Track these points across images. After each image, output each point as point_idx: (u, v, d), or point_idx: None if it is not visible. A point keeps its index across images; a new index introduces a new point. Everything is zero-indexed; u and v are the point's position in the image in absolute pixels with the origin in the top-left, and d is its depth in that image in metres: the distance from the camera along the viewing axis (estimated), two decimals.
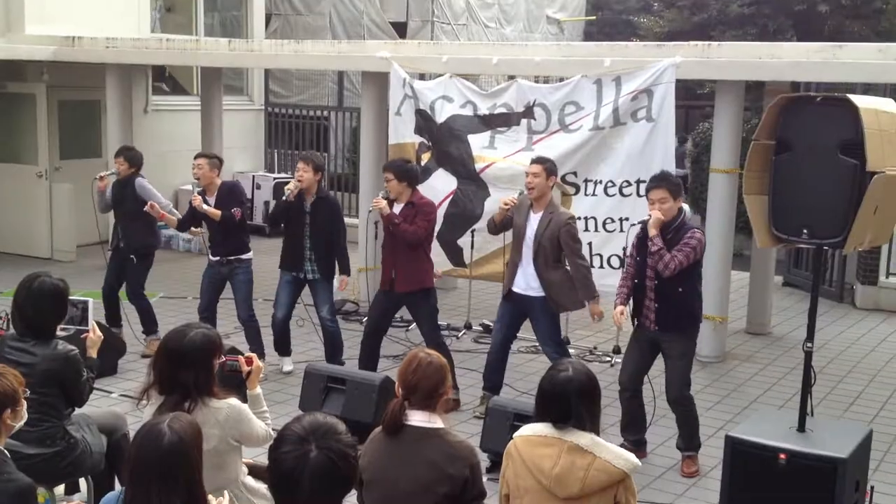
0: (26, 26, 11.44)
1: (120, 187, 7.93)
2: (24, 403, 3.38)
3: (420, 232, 6.70)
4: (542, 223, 6.40)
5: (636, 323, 5.92)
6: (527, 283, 6.48)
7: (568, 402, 3.42)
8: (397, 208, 6.75)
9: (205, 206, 7.30)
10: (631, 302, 5.92)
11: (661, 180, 5.79)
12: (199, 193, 7.51)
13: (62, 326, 4.64)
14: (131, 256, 7.91)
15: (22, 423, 3.40)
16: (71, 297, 4.67)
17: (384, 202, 6.69)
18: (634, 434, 6.02)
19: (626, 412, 6.04)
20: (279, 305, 7.43)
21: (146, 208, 7.49)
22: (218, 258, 7.44)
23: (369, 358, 6.92)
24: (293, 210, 7.20)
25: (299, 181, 7.06)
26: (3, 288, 7.72)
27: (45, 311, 4.40)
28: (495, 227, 6.80)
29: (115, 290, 8.05)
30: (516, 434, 3.58)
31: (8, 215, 11.77)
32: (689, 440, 5.95)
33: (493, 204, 8.44)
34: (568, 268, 6.49)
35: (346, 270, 7.40)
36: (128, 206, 7.82)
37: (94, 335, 4.66)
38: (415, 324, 8.56)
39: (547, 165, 6.45)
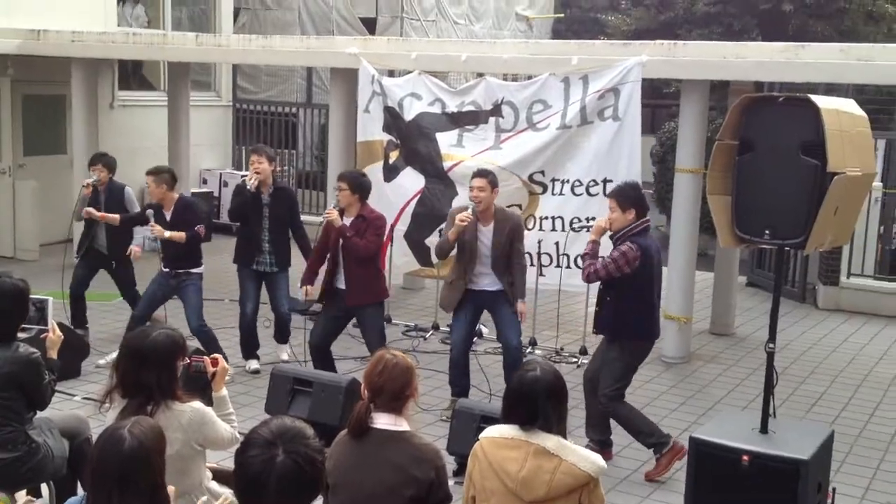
0: None
1: (100, 195, 7.92)
2: None
3: (371, 247, 6.70)
4: (497, 234, 6.51)
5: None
6: (483, 283, 6.62)
7: (535, 403, 3.42)
8: (347, 220, 6.71)
9: (166, 234, 7.23)
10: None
11: (614, 190, 5.99)
12: (152, 208, 7.40)
13: (23, 326, 4.57)
14: (112, 262, 8.00)
15: None
16: (32, 296, 4.61)
17: (336, 213, 6.68)
18: (600, 434, 6.06)
19: (588, 408, 6.08)
20: (247, 300, 7.50)
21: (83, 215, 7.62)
22: (168, 270, 7.39)
23: (329, 364, 6.87)
24: (252, 203, 7.30)
25: (257, 173, 7.15)
26: None
27: (5, 312, 4.32)
28: (448, 248, 6.72)
29: (83, 291, 8.03)
30: (482, 435, 3.58)
31: None
32: (638, 437, 5.94)
33: (461, 203, 8.46)
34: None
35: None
36: (115, 214, 7.80)
37: (54, 335, 4.58)
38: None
39: (490, 178, 6.58)
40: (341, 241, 6.65)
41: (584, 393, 6.11)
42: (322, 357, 6.88)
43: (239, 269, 7.61)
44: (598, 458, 3.43)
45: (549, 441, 3.40)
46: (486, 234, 6.56)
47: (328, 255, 6.85)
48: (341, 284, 6.77)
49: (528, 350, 8.16)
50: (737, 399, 7.35)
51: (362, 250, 6.65)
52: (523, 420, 3.44)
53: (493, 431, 3.54)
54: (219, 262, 10.08)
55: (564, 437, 3.47)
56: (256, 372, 7.48)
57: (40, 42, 11.06)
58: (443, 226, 8.53)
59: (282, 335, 7.92)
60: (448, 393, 6.93)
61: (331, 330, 6.91)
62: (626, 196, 5.80)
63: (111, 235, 7.95)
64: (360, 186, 6.77)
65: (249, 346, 7.68)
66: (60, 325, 4.86)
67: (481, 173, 6.64)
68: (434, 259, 8.70)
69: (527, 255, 8.09)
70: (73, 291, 8.02)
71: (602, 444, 5.96)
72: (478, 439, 3.59)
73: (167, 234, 7.23)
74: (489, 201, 6.54)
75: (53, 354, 4.55)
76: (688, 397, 7.36)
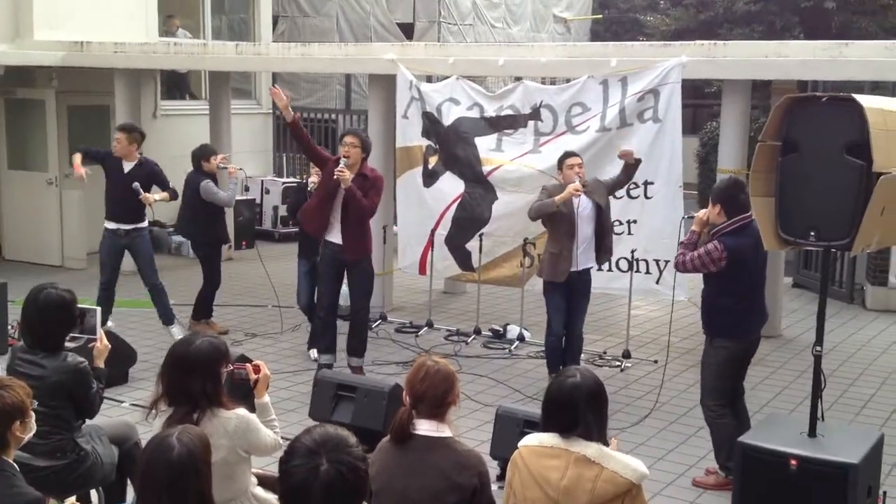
0: (35, 32, 11.48)
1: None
2: (33, 415, 3.38)
3: (374, 206, 7.11)
4: (592, 201, 6.90)
5: None
6: (584, 260, 6.93)
7: (576, 410, 3.38)
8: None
9: (156, 197, 8.07)
10: None
11: (713, 187, 5.95)
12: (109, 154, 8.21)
13: (72, 336, 4.64)
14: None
15: (31, 434, 3.41)
16: (79, 305, 4.68)
17: (348, 174, 6.86)
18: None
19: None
20: (306, 293, 8.09)
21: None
22: (117, 227, 8.08)
23: (334, 334, 7.26)
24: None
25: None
26: (14, 297, 7.73)
27: (52, 323, 4.39)
28: (548, 211, 6.88)
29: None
30: (521, 443, 3.54)
31: (18, 223, 11.81)
32: (722, 461, 5.69)
33: (502, 207, 8.47)
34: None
35: None
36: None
37: (101, 344, 4.63)
38: (426, 328, 8.64)
39: (580, 155, 7.10)
40: (344, 198, 6.91)
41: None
42: (332, 324, 7.23)
43: (300, 263, 8.17)
44: (639, 465, 3.39)
45: (590, 449, 3.36)
46: (584, 202, 6.87)
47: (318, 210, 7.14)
48: (335, 238, 7.05)
49: None
50: (784, 402, 7.25)
51: (367, 210, 7.00)
52: (563, 428, 3.41)
53: (532, 440, 3.51)
54: (261, 268, 10.11)
55: (605, 444, 3.43)
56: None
57: (84, 54, 11.25)
58: (483, 230, 8.56)
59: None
60: (491, 396, 6.93)
61: (336, 287, 7.31)
62: (716, 191, 5.70)
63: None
64: (368, 145, 7.16)
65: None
66: (108, 334, 4.92)
67: (575, 153, 7.08)
68: (474, 263, 8.71)
69: None
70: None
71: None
72: (517, 447, 3.57)
73: (156, 197, 8.09)
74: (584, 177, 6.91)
75: (101, 363, 4.60)
76: None
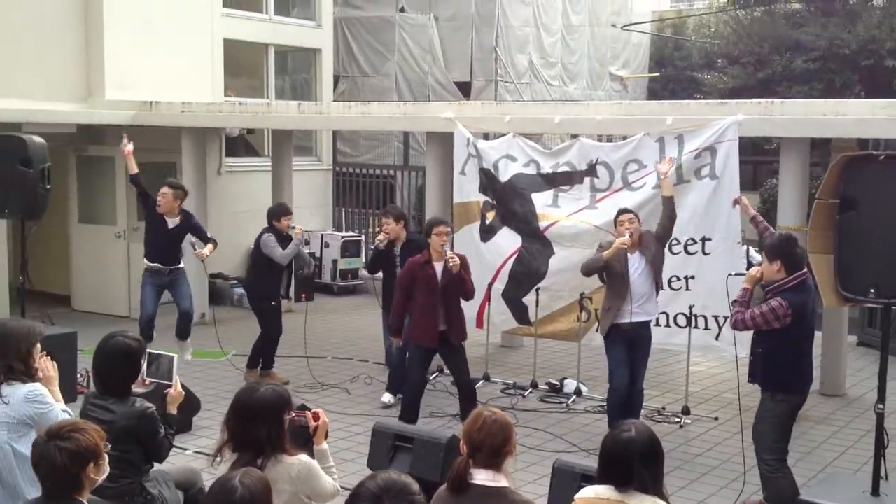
0: (106, 92, 11.94)
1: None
2: (106, 458, 3.50)
3: (473, 286, 7.45)
4: (644, 257, 6.96)
5: None
6: (633, 313, 6.96)
7: (630, 464, 3.40)
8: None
9: (207, 252, 8.80)
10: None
11: (765, 241, 6.14)
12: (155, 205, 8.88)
13: (151, 380, 4.79)
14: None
15: (104, 477, 3.53)
16: (156, 352, 4.85)
17: (457, 259, 7.19)
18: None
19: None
20: (387, 340, 8.49)
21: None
22: (159, 267, 8.74)
23: (416, 409, 7.44)
24: (383, 257, 8.36)
25: (385, 232, 7.88)
26: (83, 346, 7.97)
27: (118, 370, 4.55)
28: (597, 268, 7.15)
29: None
30: (578, 495, 3.57)
31: (88, 275, 12.16)
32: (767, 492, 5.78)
33: (558, 262, 8.52)
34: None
35: None
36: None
37: (175, 391, 4.76)
38: (482, 381, 8.70)
39: (634, 211, 7.16)
40: (443, 282, 7.19)
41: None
42: (417, 404, 7.43)
43: (383, 314, 8.58)
44: None
45: (646, 502, 3.38)
46: (636, 260, 6.98)
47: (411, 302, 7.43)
48: (443, 326, 7.30)
49: None
50: (848, 462, 7.11)
51: (470, 291, 7.40)
52: (618, 481, 3.44)
53: (588, 492, 3.53)
54: (320, 320, 10.34)
55: (662, 498, 3.44)
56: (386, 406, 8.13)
57: (152, 113, 11.67)
58: (540, 284, 8.62)
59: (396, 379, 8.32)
60: (548, 450, 6.93)
61: (424, 373, 7.57)
62: (771, 248, 5.68)
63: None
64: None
65: (395, 380, 8.26)
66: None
67: (627, 210, 7.18)
68: (531, 317, 8.75)
69: None
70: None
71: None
72: (573, 500, 3.59)
73: (207, 252, 8.78)
74: (640, 231, 7.01)
75: (173, 410, 4.73)
76: (797, 459, 7.12)
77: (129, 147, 9.16)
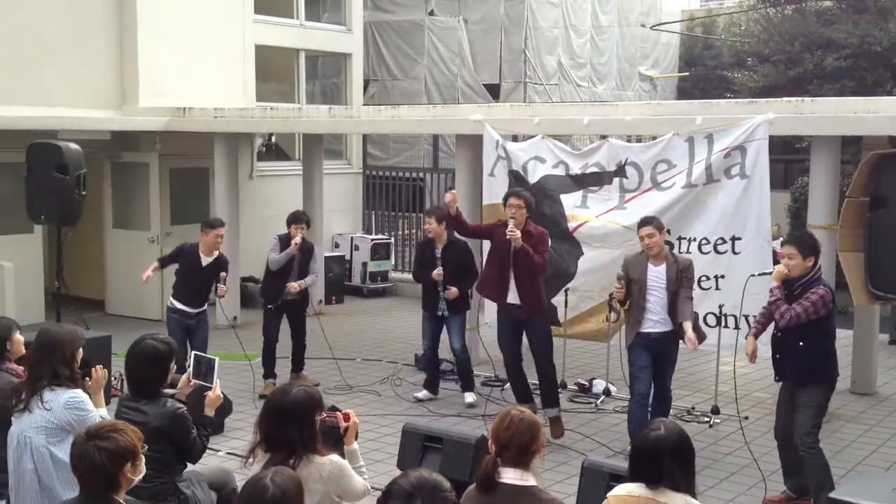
0: (140, 99, 12.13)
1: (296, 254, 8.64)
2: (143, 458, 3.58)
3: (545, 261, 7.42)
4: (669, 272, 6.83)
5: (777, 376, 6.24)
6: (654, 323, 6.86)
7: (660, 462, 3.44)
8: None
9: (297, 286, 8.58)
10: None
11: (792, 237, 6.15)
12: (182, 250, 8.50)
13: (195, 381, 4.88)
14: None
15: (140, 477, 3.61)
16: (201, 354, 4.94)
17: (518, 233, 7.20)
18: (795, 481, 6.16)
19: (783, 462, 6.23)
20: (426, 338, 8.53)
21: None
22: (185, 309, 8.27)
23: (525, 384, 7.61)
24: (427, 257, 8.38)
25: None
26: (117, 350, 8.10)
27: (147, 372, 4.64)
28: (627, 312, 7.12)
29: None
30: (610, 493, 3.62)
31: (122, 279, 12.32)
32: (815, 491, 5.94)
33: (587, 262, 8.54)
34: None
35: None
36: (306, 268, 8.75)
37: (214, 395, 4.82)
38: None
39: (656, 223, 6.89)
40: (514, 257, 7.21)
41: (778, 449, 6.27)
42: (521, 377, 7.60)
43: (423, 313, 8.60)
44: None
45: (677, 500, 3.41)
46: (659, 272, 6.86)
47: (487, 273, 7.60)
48: (514, 299, 7.34)
49: None
50: (879, 460, 7.07)
51: (539, 265, 7.31)
52: (649, 479, 3.47)
53: (621, 490, 3.57)
54: (350, 323, 10.41)
55: (693, 496, 3.46)
56: (471, 405, 8.26)
57: (186, 119, 11.82)
58: (569, 285, 8.64)
59: (464, 380, 8.50)
60: (577, 450, 6.94)
61: (517, 346, 7.57)
62: (805, 244, 5.91)
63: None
64: (532, 203, 7.48)
65: (431, 381, 8.55)
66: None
67: (646, 221, 6.94)
68: (560, 318, 8.77)
69: None
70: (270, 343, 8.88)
71: (801, 492, 6.10)
72: (606, 497, 3.63)
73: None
74: (660, 245, 6.86)
75: (210, 412, 4.80)
76: (828, 458, 7.07)
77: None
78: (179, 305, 8.32)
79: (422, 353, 8.83)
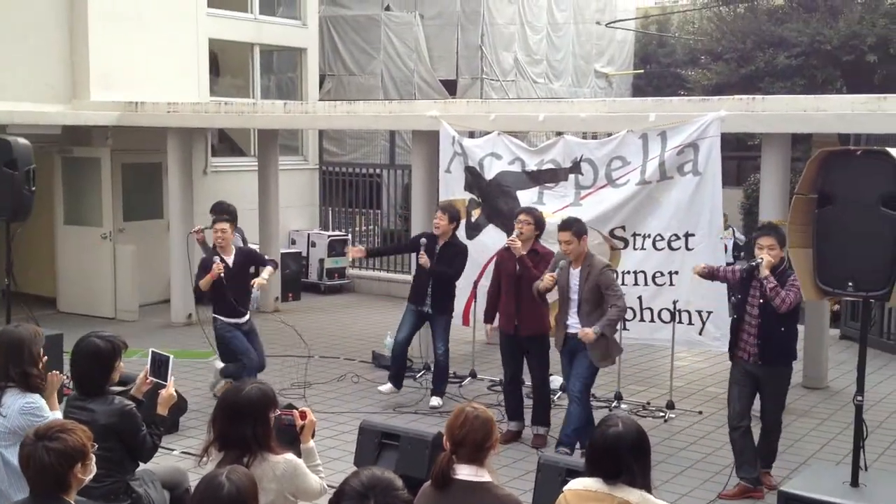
0: (91, 93, 11.94)
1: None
2: (93, 458, 3.53)
3: None
4: (582, 276, 6.75)
5: (733, 359, 6.38)
6: (572, 325, 6.83)
7: (618, 458, 3.47)
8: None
9: (264, 278, 7.93)
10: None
11: (770, 229, 6.39)
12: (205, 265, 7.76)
13: (151, 379, 4.81)
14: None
15: (91, 476, 3.55)
16: (158, 352, 4.88)
17: (520, 243, 7.18)
18: (750, 472, 6.28)
19: (741, 450, 6.30)
20: (403, 330, 8.20)
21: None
22: (236, 321, 7.82)
23: (517, 403, 7.46)
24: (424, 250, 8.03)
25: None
26: (69, 348, 7.97)
27: (88, 371, 4.59)
28: (539, 295, 7.07)
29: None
30: (566, 487, 3.63)
31: (73, 276, 12.15)
32: (770, 458, 6.47)
33: None
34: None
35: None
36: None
37: (167, 393, 4.76)
38: (469, 378, 8.74)
39: (574, 229, 6.77)
40: (518, 272, 7.13)
41: (730, 438, 6.37)
42: (516, 394, 7.45)
43: (407, 306, 8.27)
44: None
45: (633, 495, 3.43)
46: (575, 276, 6.83)
47: (501, 293, 7.41)
48: (517, 321, 7.23)
49: (614, 405, 8.15)
50: (830, 454, 7.20)
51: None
52: (606, 474, 3.49)
53: (577, 484, 3.59)
54: (307, 320, 10.32)
55: (649, 491, 3.50)
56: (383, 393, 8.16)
57: (138, 113, 11.67)
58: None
59: (437, 384, 8.27)
60: (532, 448, 6.97)
61: (518, 366, 7.42)
62: (781, 235, 6.22)
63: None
64: (541, 222, 7.37)
65: (396, 375, 8.23)
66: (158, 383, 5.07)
67: (565, 225, 6.86)
68: None
69: None
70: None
71: (754, 482, 6.26)
72: (562, 491, 3.65)
73: (265, 277, 8.00)
74: (578, 251, 6.79)
75: (163, 411, 4.73)
76: (780, 452, 7.16)
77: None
78: (229, 319, 7.80)
79: (392, 343, 8.41)
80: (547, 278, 6.82)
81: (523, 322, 7.20)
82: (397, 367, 8.27)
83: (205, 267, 7.74)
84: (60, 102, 11.77)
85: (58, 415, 4.60)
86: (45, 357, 4.70)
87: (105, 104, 11.75)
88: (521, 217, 7.34)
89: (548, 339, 7.36)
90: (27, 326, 4.93)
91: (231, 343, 7.83)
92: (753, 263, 6.19)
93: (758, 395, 6.37)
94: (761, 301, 6.15)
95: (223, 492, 2.99)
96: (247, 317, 7.93)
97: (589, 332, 6.56)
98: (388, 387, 8.22)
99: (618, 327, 7.04)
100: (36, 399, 4.51)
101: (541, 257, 7.21)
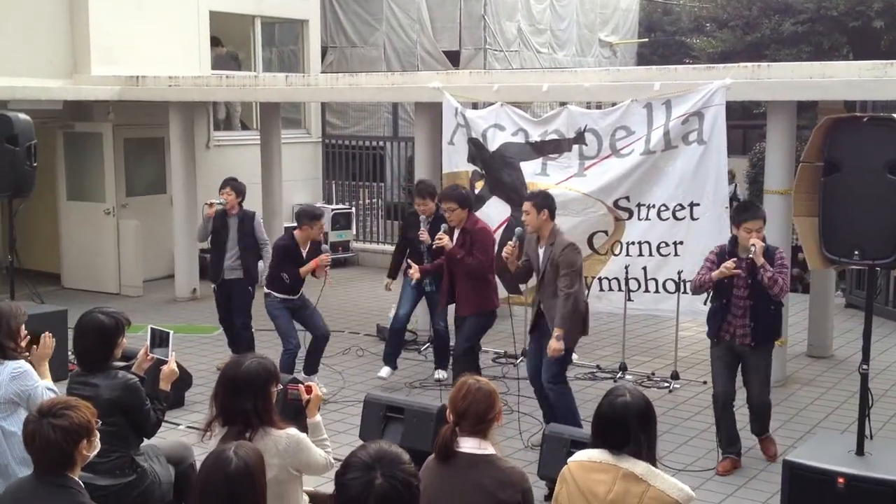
0: (92, 67, 11.88)
1: (226, 219, 8.20)
2: (98, 434, 3.54)
3: (483, 264, 7.19)
4: (545, 255, 6.54)
5: (716, 340, 6.32)
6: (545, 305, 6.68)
7: (626, 428, 3.45)
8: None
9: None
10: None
11: (755, 209, 6.30)
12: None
13: (152, 355, 4.82)
14: (249, 288, 8.27)
15: (95, 452, 3.56)
16: (158, 328, 4.88)
17: (447, 238, 7.11)
18: (736, 445, 6.33)
19: (728, 430, 6.30)
20: (403, 305, 8.28)
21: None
22: (288, 297, 7.75)
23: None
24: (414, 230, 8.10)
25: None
26: (73, 324, 7.99)
27: (92, 346, 4.60)
28: (511, 278, 7.07)
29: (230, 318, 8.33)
30: (571, 458, 3.62)
31: (77, 252, 12.16)
32: (766, 427, 6.52)
33: None
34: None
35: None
36: (248, 241, 8.19)
37: (168, 368, 4.76)
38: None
39: (536, 201, 6.57)
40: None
41: (720, 419, 6.30)
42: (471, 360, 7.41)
43: (405, 280, 8.29)
44: (686, 487, 3.43)
45: (639, 466, 3.42)
46: (541, 253, 6.64)
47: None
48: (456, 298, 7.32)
49: (619, 375, 8.15)
50: (835, 423, 7.20)
51: (473, 269, 7.16)
52: (613, 445, 3.48)
53: (582, 455, 3.58)
54: (311, 294, 10.18)
55: (654, 463, 3.48)
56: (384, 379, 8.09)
57: (139, 88, 11.61)
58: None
59: (439, 358, 8.31)
60: (537, 420, 6.98)
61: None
62: (763, 212, 6.30)
63: (249, 262, 8.24)
64: (467, 200, 7.36)
65: (393, 353, 8.23)
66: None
67: (529, 196, 6.81)
68: (521, 286, 8.77)
69: (614, 281, 8.18)
70: (226, 323, 8.37)
71: (738, 454, 6.35)
72: (566, 463, 3.64)
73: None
74: (538, 223, 6.52)
75: (165, 386, 4.74)
76: (785, 421, 7.21)
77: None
78: (281, 295, 7.76)
79: (392, 318, 8.36)
80: (505, 254, 6.71)
81: (460, 302, 7.32)
82: (395, 344, 8.22)
83: (282, 251, 7.70)
84: (61, 77, 11.72)
85: (49, 383, 4.62)
86: (28, 334, 4.71)
87: (106, 79, 11.69)
88: (443, 206, 7.32)
89: (484, 316, 7.35)
90: (9, 303, 4.96)
91: (275, 321, 7.78)
92: (747, 256, 6.04)
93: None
94: (749, 282, 6.08)
95: (231, 467, 2.99)
96: (299, 294, 7.84)
97: (554, 346, 6.24)
98: (386, 370, 8.14)
99: (622, 292, 7.29)
100: (22, 364, 4.56)
101: (471, 236, 7.19)
